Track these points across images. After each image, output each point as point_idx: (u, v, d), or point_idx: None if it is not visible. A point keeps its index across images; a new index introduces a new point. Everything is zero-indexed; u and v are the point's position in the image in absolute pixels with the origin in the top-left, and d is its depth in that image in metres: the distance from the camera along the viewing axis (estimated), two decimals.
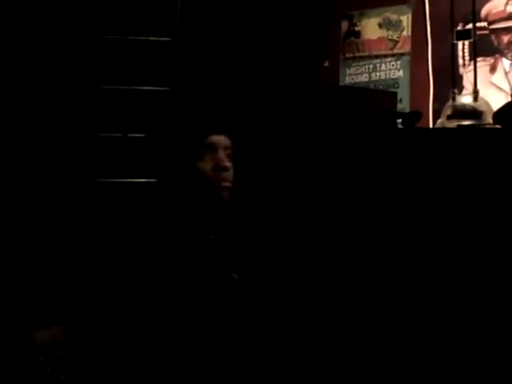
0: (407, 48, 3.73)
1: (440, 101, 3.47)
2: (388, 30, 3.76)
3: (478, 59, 3.43)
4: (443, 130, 2.95)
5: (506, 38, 3.44)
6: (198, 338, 2.13)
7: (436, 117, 3.45)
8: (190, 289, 2.13)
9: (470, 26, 3.39)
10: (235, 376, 2.17)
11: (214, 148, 2.23)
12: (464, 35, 3.33)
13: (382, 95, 3.01)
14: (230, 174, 2.23)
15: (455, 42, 3.36)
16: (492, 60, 3.47)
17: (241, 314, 2.21)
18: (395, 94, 2.94)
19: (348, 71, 3.88)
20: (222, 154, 2.23)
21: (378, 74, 3.79)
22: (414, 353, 2.25)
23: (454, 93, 3.17)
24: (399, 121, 2.56)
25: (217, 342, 2.14)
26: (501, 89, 3.41)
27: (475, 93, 3.09)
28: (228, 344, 2.16)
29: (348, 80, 3.86)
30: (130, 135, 3.67)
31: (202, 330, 2.13)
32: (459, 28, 3.45)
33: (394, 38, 3.75)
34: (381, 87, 3.73)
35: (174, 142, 2.25)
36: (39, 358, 3.20)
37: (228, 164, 2.22)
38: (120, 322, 2.33)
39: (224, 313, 2.17)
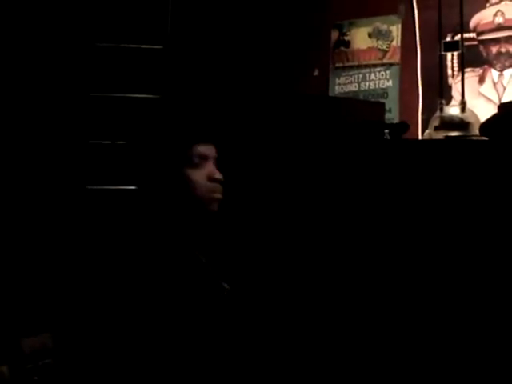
0: (397, 58, 3.73)
1: (429, 111, 3.48)
2: (378, 39, 3.77)
3: (467, 70, 3.44)
4: (429, 141, 2.96)
5: (494, 49, 3.45)
6: (188, 347, 2.13)
7: (425, 127, 3.45)
8: (178, 299, 2.13)
9: (458, 36, 3.40)
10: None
11: (206, 158, 2.21)
12: (452, 46, 3.34)
13: (370, 105, 3.02)
14: (221, 186, 2.22)
15: (443, 53, 3.37)
16: (481, 71, 3.48)
17: (232, 324, 2.21)
18: (383, 104, 2.95)
19: (337, 81, 3.88)
20: (214, 165, 2.21)
21: (367, 83, 3.80)
22: (414, 353, 2.25)
23: (441, 104, 3.18)
24: (386, 131, 2.57)
25: (209, 349, 2.14)
26: (489, 99, 3.43)
27: (463, 104, 3.10)
28: (220, 351, 2.16)
29: (337, 89, 3.87)
30: (119, 143, 3.67)
31: (191, 339, 2.13)
32: (448, 39, 3.46)
33: (384, 47, 3.75)
34: (370, 97, 3.73)
35: (163, 149, 2.24)
36: (26, 365, 3.19)
37: (221, 176, 2.20)
38: (107, 329, 2.33)
39: (214, 322, 2.16)
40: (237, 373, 2.18)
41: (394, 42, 3.74)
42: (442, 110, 3.14)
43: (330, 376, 2.33)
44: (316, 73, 3.93)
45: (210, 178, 2.19)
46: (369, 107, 2.89)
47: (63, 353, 3.13)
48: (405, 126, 2.59)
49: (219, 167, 2.23)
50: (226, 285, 2.34)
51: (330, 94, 3.88)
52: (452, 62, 3.54)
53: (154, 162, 2.23)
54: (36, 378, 3.20)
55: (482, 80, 3.48)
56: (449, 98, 3.47)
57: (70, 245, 3.54)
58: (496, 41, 3.46)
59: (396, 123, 3.07)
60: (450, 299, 2.25)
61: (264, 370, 2.32)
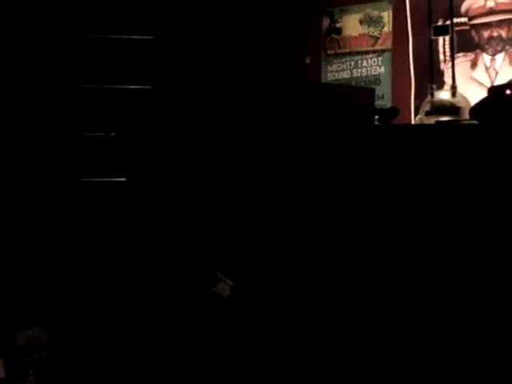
0: (388, 44, 3.71)
1: (422, 97, 3.46)
2: (369, 26, 3.75)
3: (459, 55, 3.43)
4: (418, 126, 2.95)
5: (486, 34, 3.43)
6: (183, 340, 2.12)
7: (418, 113, 3.44)
8: (177, 293, 2.12)
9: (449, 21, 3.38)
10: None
11: None
12: (442, 31, 3.33)
13: (360, 91, 3.01)
14: None
15: (433, 37, 3.36)
16: (473, 55, 3.46)
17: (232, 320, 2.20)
18: (373, 90, 2.93)
19: (330, 68, 3.87)
20: None
21: (359, 70, 3.78)
22: (414, 353, 2.24)
23: (432, 89, 3.17)
24: (376, 117, 2.56)
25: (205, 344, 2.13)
26: (481, 84, 3.41)
27: (453, 89, 3.09)
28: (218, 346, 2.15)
29: (330, 77, 3.86)
30: (112, 134, 3.66)
31: (188, 332, 2.13)
32: (440, 23, 3.44)
33: (375, 34, 3.74)
34: (362, 84, 3.72)
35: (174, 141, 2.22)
36: (22, 359, 3.19)
37: None
38: (103, 321, 2.33)
39: (214, 317, 2.16)
40: (234, 368, 2.18)
41: (386, 28, 3.72)
42: (432, 94, 3.13)
43: (329, 374, 2.32)
44: (308, 60, 3.92)
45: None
46: (359, 93, 2.88)
47: (59, 346, 3.14)
48: (394, 111, 2.57)
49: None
50: (228, 280, 2.33)
51: (323, 81, 3.87)
52: (444, 47, 3.52)
53: (146, 153, 2.22)
54: (32, 371, 3.20)
55: (474, 65, 3.46)
56: (441, 83, 3.45)
57: (64, 237, 3.54)
58: (488, 25, 3.44)
59: (385, 108, 3.06)
60: (444, 285, 2.24)
61: (263, 366, 2.31)
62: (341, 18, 3.85)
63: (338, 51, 3.86)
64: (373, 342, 2.28)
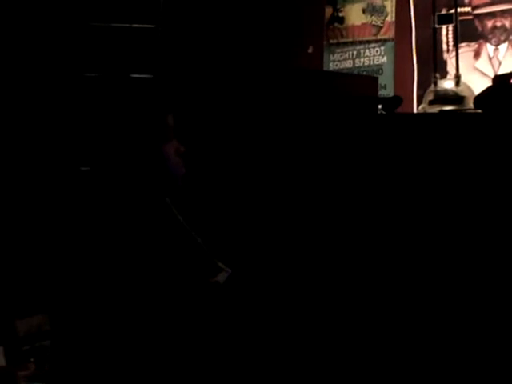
0: (391, 34, 3.70)
1: (424, 86, 3.44)
2: (372, 15, 3.74)
3: (462, 44, 3.42)
4: (423, 115, 2.94)
5: (489, 23, 3.42)
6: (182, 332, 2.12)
7: (420, 102, 3.43)
8: (174, 282, 2.12)
9: (453, 11, 3.37)
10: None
11: (171, 128, 2.19)
12: (445, 19, 3.31)
13: (363, 80, 3.00)
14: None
15: (437, 26, 3.34)
16: (476, 45, 3.45)
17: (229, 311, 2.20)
18: (376, 79, 2.92)
19: (332, 57, 3.86)
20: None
21: (362, 60, 3.77)
22: (414, 353, 2.23)
23: (435, 78, 3.15)
24: (380, 106, 2.55)
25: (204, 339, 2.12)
26: (485, 74, 3.40)
27: (457, 78, 3.07)
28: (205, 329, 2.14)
29: (332, 66, 3.85)
30: (111, 122, 3.65)
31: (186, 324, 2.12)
32: (443, 13, 3.43)
33: (378, 23, 3.72)
34: (365, 73, 3.71)
35: (139, 124, 2.22)
36: (23, 347, 3.19)
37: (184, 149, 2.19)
38: (102, 311, 2.32)
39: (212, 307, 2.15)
40: (233, 366, 2.17)
41: (389, 18, 3.70)
42: (436, 84, 3.12)
43: (328, 373, 2.31)
44: (310, 50, 3.91)
45: (179, 152, 2.18)
46: (362, 82, 2.86)
47: (60, 335, 3.13)
48: (398, 99, 2.56)
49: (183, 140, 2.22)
50: (222, 264, 2.33)
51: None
52: (447, 37, 3.51)
53: (131, 139, 2.22)
54: (32, 359, 3.20)
55: (477, 55, 3.45)
56: (444, 73, 3.44)
57: (64, 226, 3.53)
58: (491, 15, 3.43)
59: (389, 97, 3.04)
60: (452, 281, 2.23)
61: (262, 365, 2.30)
62: (344, 6, 3.83)
63: (341, 40, 3.84)
64: (371, 339, 2.28)
